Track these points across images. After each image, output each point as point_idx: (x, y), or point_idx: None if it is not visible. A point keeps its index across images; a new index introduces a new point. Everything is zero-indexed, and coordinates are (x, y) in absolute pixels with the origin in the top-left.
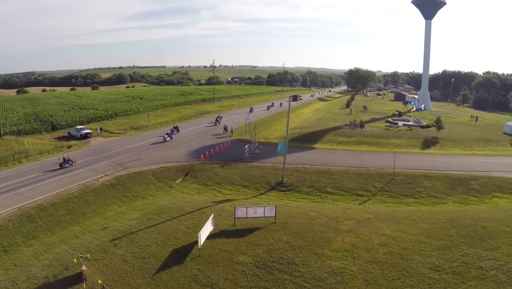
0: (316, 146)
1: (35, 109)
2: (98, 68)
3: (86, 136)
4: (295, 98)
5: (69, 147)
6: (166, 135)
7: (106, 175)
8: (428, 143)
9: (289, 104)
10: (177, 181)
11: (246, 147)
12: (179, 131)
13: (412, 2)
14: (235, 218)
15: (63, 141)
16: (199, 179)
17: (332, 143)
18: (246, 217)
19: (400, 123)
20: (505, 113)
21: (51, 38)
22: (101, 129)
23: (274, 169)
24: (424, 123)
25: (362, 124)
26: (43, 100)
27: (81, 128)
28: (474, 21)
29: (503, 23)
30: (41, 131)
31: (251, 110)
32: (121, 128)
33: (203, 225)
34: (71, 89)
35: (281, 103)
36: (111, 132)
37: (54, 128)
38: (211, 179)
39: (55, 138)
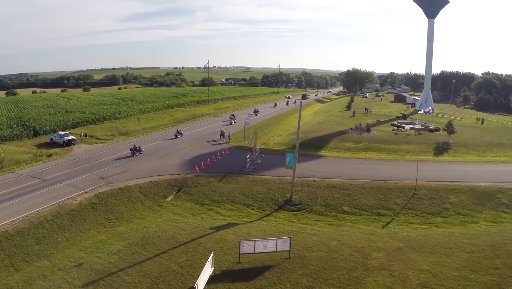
0: (322, 153)
1: (20, 112)
2: (91, 70)
3: (69, 143)
4: (304, 97)
5: (49, 156)
6: (231, 119)
7: (86, 192)
8: (440, 149)
9: (300, 106)
10: (168, 199)
11: (247, 156)
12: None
13: (414, 0)
14: (240, 253)
15: (44, 148)
16: (193, 196)
17: (339, 150)
18: (254, 253)
19: (407, 126)
20: (507, 114)
21: (46, 39)
22: (85, 135)
23: (281, 183)
24: (432, 126)
25: (368, 129)
26: (30, 102)
27: (64, 134)
28: (472, 20)
29: (502, 22)
30: (22, 138)
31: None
32: (108, 133)
33: (200, 263)
34: (62, 91)
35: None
36: (97, 138)
37: (36, 134)
38: (208, 196)
39: (35, 146)
